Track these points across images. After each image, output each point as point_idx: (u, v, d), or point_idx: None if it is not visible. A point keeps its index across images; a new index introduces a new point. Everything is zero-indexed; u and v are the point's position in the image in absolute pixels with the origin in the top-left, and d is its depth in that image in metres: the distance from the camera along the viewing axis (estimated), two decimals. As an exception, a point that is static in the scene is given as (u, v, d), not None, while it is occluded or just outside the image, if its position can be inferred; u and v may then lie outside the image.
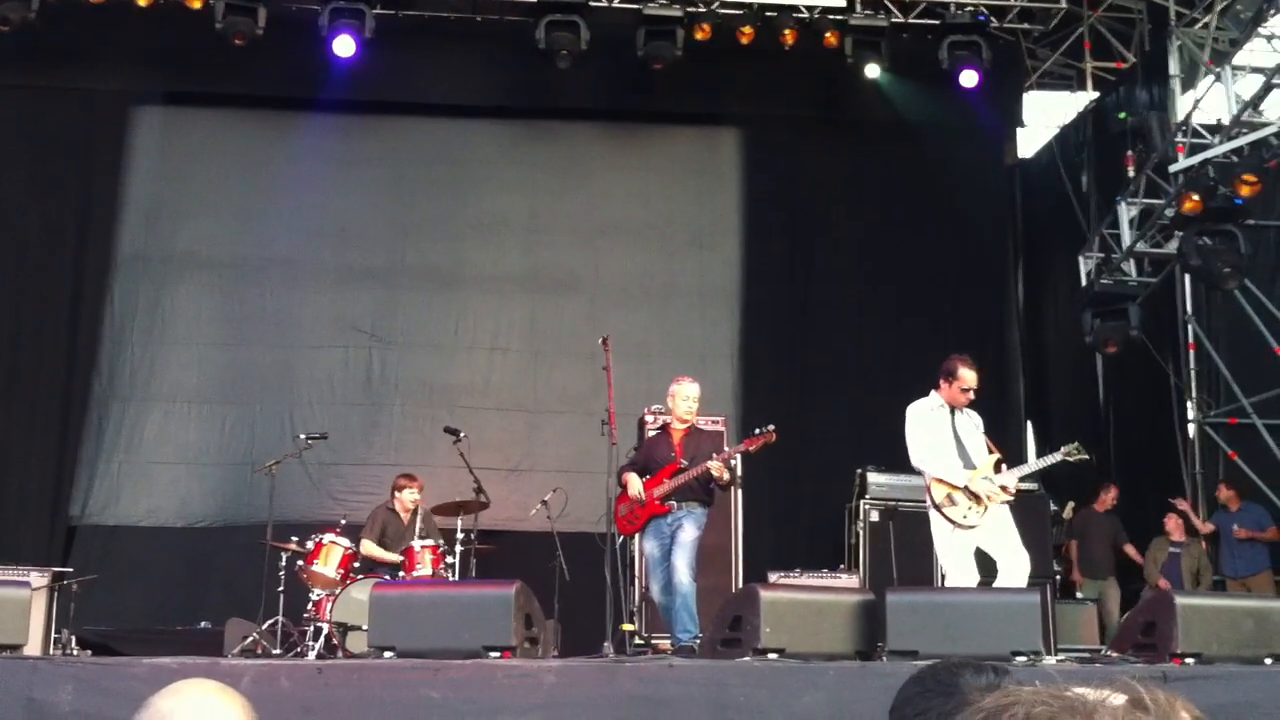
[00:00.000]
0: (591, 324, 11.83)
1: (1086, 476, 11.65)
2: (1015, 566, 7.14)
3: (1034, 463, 8.03)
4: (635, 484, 7.91)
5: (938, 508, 7.29)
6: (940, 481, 7.29)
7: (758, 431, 7.92)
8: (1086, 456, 7.52)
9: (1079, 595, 11.22)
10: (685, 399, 8.03)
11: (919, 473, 7.50)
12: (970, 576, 7.22)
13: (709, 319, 13.18)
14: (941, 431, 7.39)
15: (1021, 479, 7.69)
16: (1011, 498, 7.31)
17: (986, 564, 7.32)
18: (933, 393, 7.48)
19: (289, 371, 12.61)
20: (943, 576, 7.60)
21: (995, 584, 7.22)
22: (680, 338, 12.88)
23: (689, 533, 7.71)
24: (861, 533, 10.55)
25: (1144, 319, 11.57)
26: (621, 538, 8.58)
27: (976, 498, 7.21)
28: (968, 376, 7.35)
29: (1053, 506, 11.06)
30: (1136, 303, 11.58)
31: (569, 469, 11.08)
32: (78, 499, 11.98)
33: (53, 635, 8.79)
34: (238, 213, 12.91)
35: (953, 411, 7.42)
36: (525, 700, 5.42)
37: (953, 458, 7.35)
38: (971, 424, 7.49)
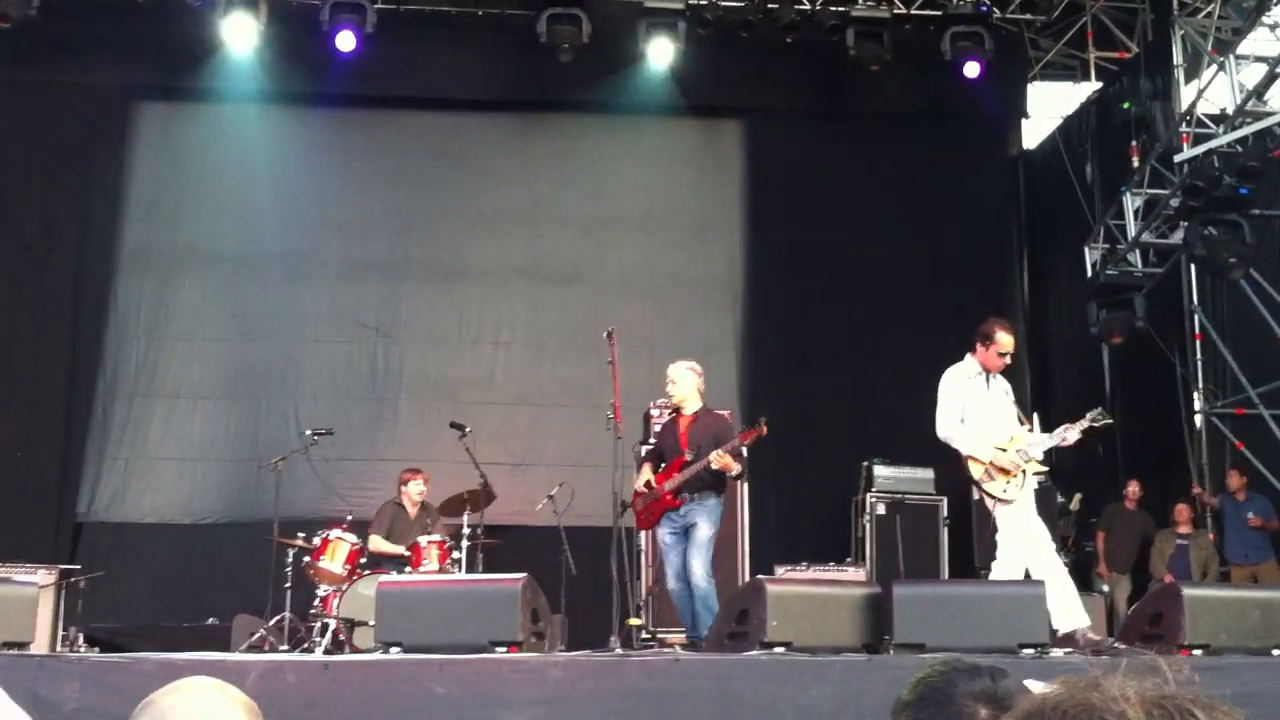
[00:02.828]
0: (595, 316, 11.80)
1: (1094, 469, 11.68)
2: (1006, 554, 7.04)
3: (1058, 431, 7.75)
4: (644, 474, 8.08)
5: (976, 484, 7.16)
6: (973, 458, 7.15)
7: (747, 427, 7.99)
8: (1110, 420, 7.32)
9: (1105, 588, 11.26)
10: (668, 383, 8.17)
11: (947, 446, 7.29)
12: (1043, 540, 7.02)
13: (712, 310, 13.16)
14: (976, 401, 7.18)
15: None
16: (1038, 462, 7.09)
17: None
18: (968, 357, 7.27)
19: (293, 366, 12.61)
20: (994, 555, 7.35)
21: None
22: (683, 329, 12.86)
23: (703, 530, 7.75)
24: (868, 526, 10.55)
25: (1149, 309, 11.56)
26: (638, 530, 8.66)
27: (1005, 471, 7.04)
28: (1005, 340, 7.15)
29: (1059, 499, 11.06)
30: (1142, 293, 11.56)
31: (574, 463, 11.07)
32: (83, 496, 11.98)
33: (60, 632, 8.81)
34: (240, 207, 12.90)
35: (987, 378, 7.24)
36: (531, 694, 5.42)
37: (986, 428, 7.15)
38: (1002, 391, 7.29)
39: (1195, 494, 11.48)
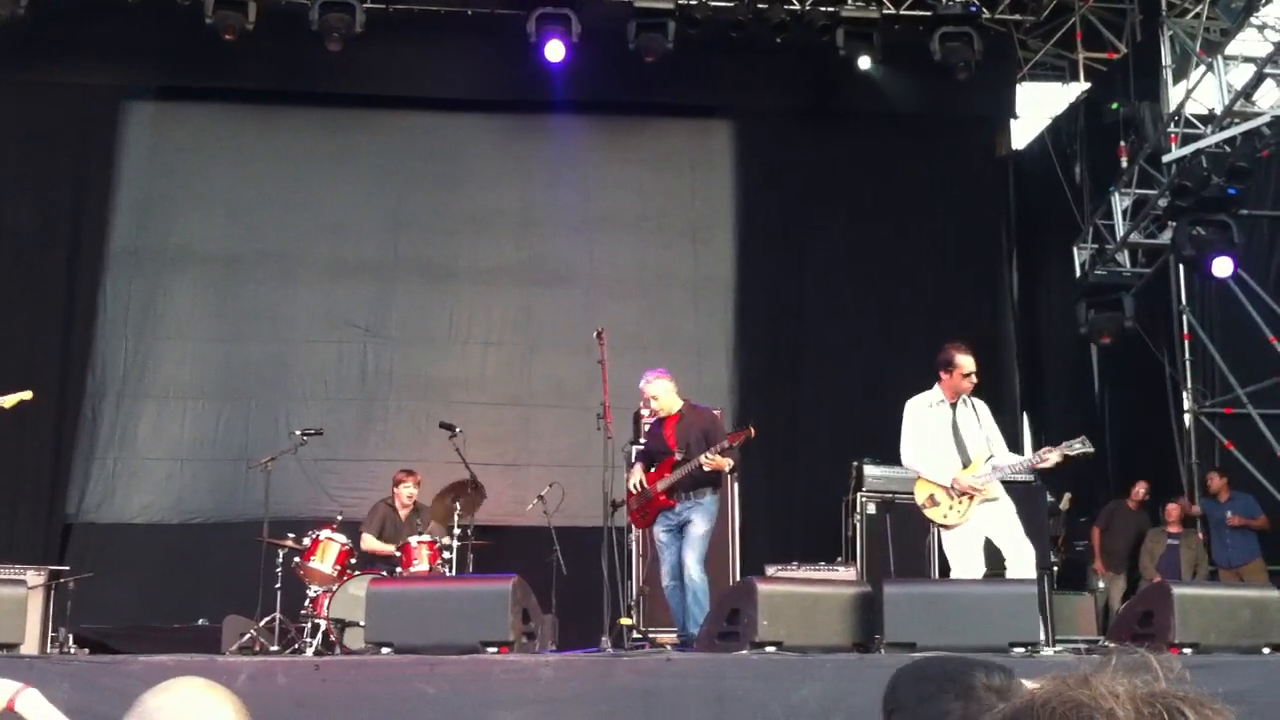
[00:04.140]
0: (586, 317, 11.81)
1: (1084, 468, 11.69)
2: (1020, 558, 7.11)
3: (1027, 457, 7.85)
4: (635, 475, 8.09)
5: (920, 509, 7.34)
6: (924, 481, 7.31)
7: (736, 428, 8.06)
8: (1090, 450, 7.37)
9: (1101, 584, 11.28)
10: (646, 400, 8.27)
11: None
12: (975, 569, 7.19)
13: (703, 311, 13.17)
14: (940, 428, 7.34)
15: (1016, 470, 7.59)
16: (983, 491, 7.18)
17: (996, 556, 7.30)
18: (935, 386, 7.41)
19: (283, 366, 12.59)
20: (947, 570, 7.56)
21: (1007, 576, 7.19)
22: (675, 330, 12.88)
23: (699, 527, 7.82)
24: (858, 525, 10.54)
25: (1138, 309, 11.59)
26: (628, 530, 8.70)
27: (962, 494, 7.18)
28: (965, 362, 7.29)
29: (1049, 498, 11.07)
30: (1131, 293, 11.59)
31: (565, 463, 11.08)
32: (73, 496, 11.95)
33: (49, 633, 8.76)
34: (230, 207, 12.87)
35: (954, 406, 7.37)
36: (522, 694, 5.43)
37: (949, 455, 7.30)
38: (973, 416, 7.40)
39: (1180, 503, 11.46)
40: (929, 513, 7.30)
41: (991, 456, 7.30)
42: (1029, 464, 7.53)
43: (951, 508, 7.20)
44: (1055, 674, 1.28)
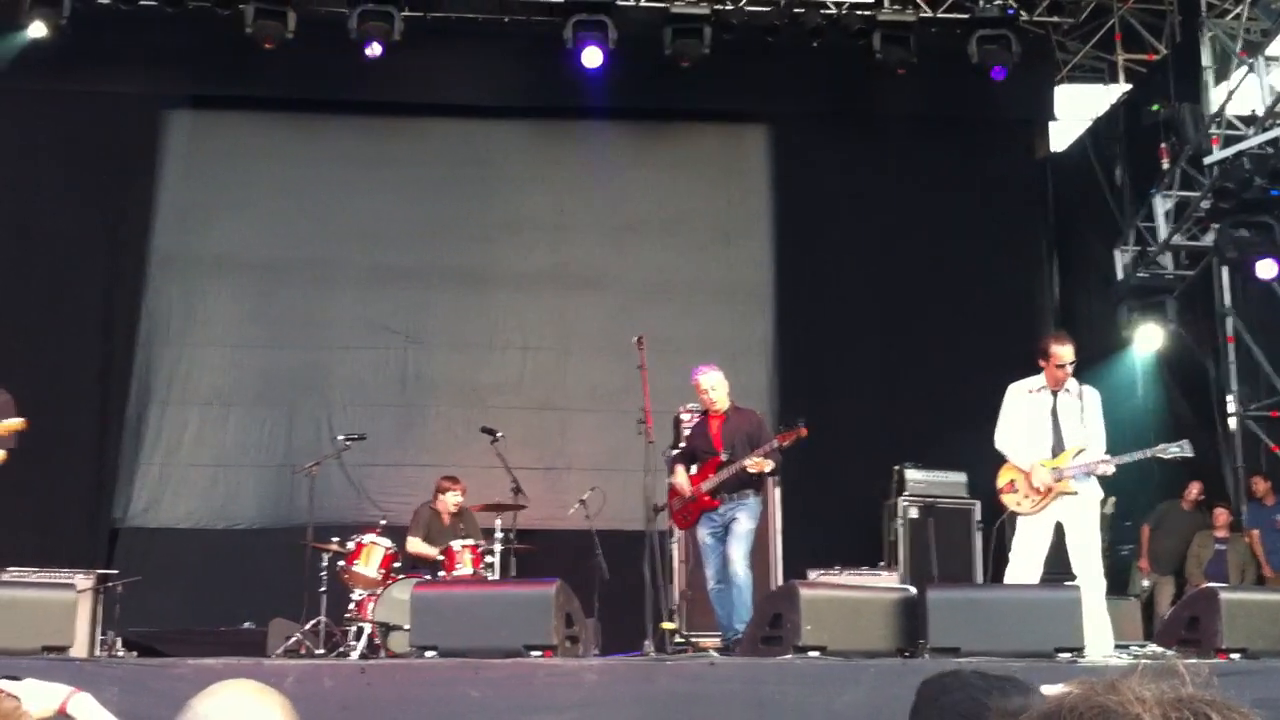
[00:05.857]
0: (621, 321, 11.83)
1: (1129, 473, 11.58)
2: (1086, 574, 6.98)
3: (1096, 461, 7.65)
4: (680, 475, 8.10)
5: (999, 491, 7.28)
6: (1009, 466, 7.24)
7: (785, 428, 8.00)
8: (1191, 455, 7.26)
9: (1145, 584, 11.16)
10: (703, 391, 8.20)
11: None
12: (1029, 566, 7.09)
13: (740, 315, 13.16)
14: (1037, 414, 7.25)
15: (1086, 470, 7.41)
16: (1066, 490, 7.05)
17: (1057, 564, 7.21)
18: (1040, 373, 7.33)
19: (323, 373, 12.68)
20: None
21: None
22: (711, 334, 12.85)
23: (743, 524, 7.83)
24: (900, 529, 10.51)
25: (1181, 312, 11.48)
26: (670, 534, 8.70)
27: (1035, 490, 7.09)
28: (1061, 352, 7.20)
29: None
30: (1173, 296, 11.49)
31: (604, 467, 11.10)
32: (119, 502, 12.07)
33: (98, 637, 8.86)
34: (269, 215, 12.99)
35: (1055, 394, 7.26)
36: (565, 699, 5.44)
37: (1041, 442, 7.19)
38: (1075, 406, 7.25)
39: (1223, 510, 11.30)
40: (1005, 498, 7.25)
41: (1081, 450, 7.16)
42: (1091, 466, 7.21)
43: (1026, 496, 7.13)
44: (1082, 679, 1.28)
